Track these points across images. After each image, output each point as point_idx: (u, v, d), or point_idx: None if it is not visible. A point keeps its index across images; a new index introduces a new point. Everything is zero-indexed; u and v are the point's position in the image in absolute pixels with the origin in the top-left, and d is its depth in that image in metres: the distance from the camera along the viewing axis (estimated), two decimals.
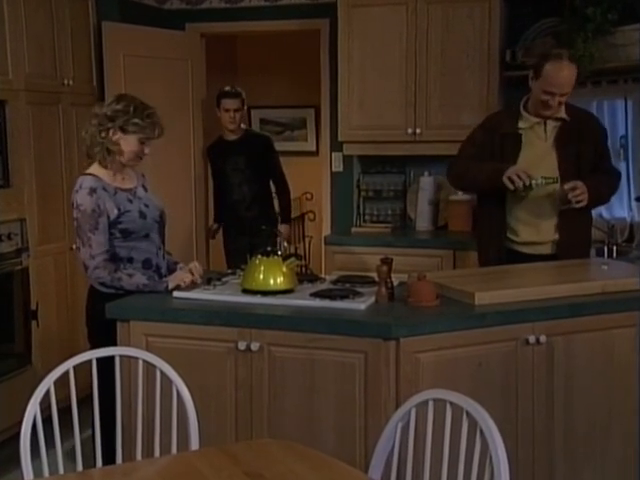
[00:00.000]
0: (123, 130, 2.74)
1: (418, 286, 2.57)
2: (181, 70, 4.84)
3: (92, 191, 2.71)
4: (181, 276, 2.79)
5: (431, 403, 1.89)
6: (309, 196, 6.26)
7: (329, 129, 4.87)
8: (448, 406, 1.86)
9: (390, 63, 4.31)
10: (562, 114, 3.19)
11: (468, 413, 1.81)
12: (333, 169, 4.93)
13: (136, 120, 2.73)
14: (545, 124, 3.20)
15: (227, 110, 4.56)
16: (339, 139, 4.56)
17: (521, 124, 3.22)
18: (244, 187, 4.62)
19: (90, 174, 2.77)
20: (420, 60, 4.26)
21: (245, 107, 4.66)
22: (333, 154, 4.90)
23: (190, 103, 4.91)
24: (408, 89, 4.30)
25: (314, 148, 6.40)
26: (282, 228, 4.70)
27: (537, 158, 3.18)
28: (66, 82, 4.12)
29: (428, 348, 2.40)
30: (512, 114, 3.27)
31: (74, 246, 4.10)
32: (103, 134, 2.74)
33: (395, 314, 2.49)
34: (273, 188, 4.75)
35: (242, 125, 4.69)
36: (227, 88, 4.62)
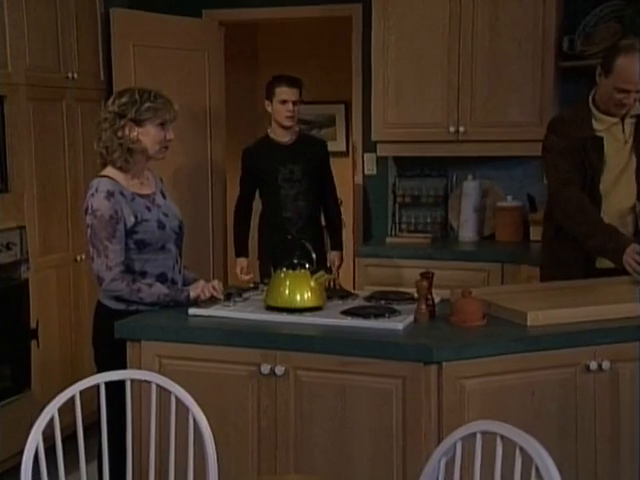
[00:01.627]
0: (138, 122, 2.78)
1: (462, 304, 2.57)
2: (197, 62, 4.89)
3: (109, 195, 2.75)
4: (203, 286, 2.82)
5: (479, 436, 1.88)
6: (338, 202, 6.25)
7: (361, 127, 4.88)
8: (499, 440, 1.85)
9: (430, 53, 4.31)
10: (638, 110, 3.13)
11: (522, 448, 1.80)
12: (365, 172, 4.94)
13: (148, 104, 2.78)
14: (623, 123, 3.14)
15: (284, 102, 4.14)
16: (372, 138, 4.56)
17: (597, 125, 3.15)
18: (300, 202, 4.22)
19: (106, 176, 2.81)
20: (464, 50, 4.26)
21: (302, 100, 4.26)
22: (365, 155, 4.91)
23: (207, 98, 4.95)
24: (451, 82, 4.30)
25: (344, 148, 6.41)
26: (334, 256, 4.40)
27: (621, 166, 3.14)
28: (70, 75, 4.18)
29: (474, 374, 2.39)
30: (582, 114, 3.19)
31: (79, 257, 4.17)
32: (119, 134, 2.78)
33: (437, 335, 2.48)
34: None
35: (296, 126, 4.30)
36: (283, 74, 4.26)
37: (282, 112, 4.15)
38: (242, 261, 4.34)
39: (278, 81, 4.19)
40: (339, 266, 4.45)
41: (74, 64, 4.23)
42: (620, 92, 3.04)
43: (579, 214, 3.12)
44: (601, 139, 3.14)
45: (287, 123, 4.19)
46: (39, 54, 3.96)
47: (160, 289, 2.78)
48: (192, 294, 2.80)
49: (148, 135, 2.81)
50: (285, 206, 4.21)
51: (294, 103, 4.15)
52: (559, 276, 3.22)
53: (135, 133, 2.79)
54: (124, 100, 2.79)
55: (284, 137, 4.24)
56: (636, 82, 3.02)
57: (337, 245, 4.45)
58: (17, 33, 3.79)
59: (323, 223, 4.49)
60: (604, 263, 3.15)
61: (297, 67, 5.98)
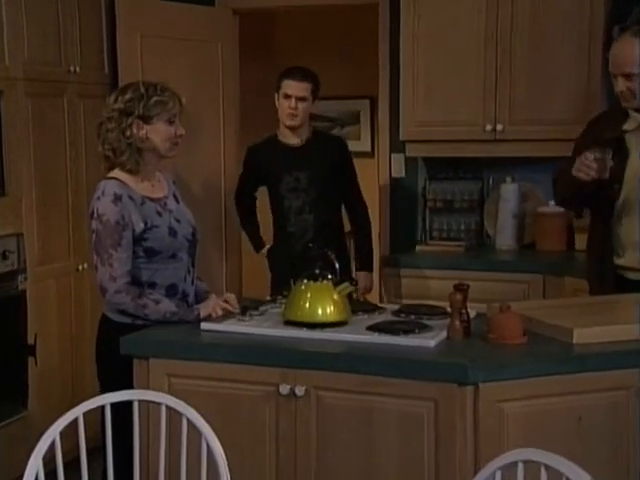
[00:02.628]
0: (146, 119, 2.80)
1: (500, 319, 2.57)
2: (210, 54, 4.91)
3: (117, 198, 2.77)
4: (215, 304, 2.83)
5: (521, 466, 1.87)
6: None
7: (388, 125, 4.89)
8: (543, 470, 1.85)
9: (465, 44, 4.31)
10: None
11: None
12: (393, 174, 4.95)
13: (155, 98, 2.80)
14: None
15: (288, 96, 3.93)
16: (401, 138, 4.58)
17: (627, 125, 3.17)
18: (306, 215, 4.01)
19: (114, 178, 2.83)
20: (503, 40, 4.25)
21: (315, 99, 4.03)
22: (393, 156, 4.91)
23: (220, 93, 4.98)
24: (487, 77, 4.30)
25: (369, 148, 6.42)
26: (361, 277, 4.12)
27: None
28: (72, 69, 4.22)
29: (514, 396, 2.38)
30: (619, 113, 3.20)
31: (80, 267, 4.20)
32: (128, 133, 2.81)
33: (472, 353, 2.48)
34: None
35: (306, 124, 4.04)
36: (297, 66, 4.05)
37: (284, 108, 3.96)
38: (259, 245, 4.27)
39: (286, 73, 4.00)
40: (368, 289, 4.17)
41: (76, 57, 4.26)
42: (613, 77, 3.06)
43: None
44: (623, 140, 3.14)
45: (288, 122, 3.98)
46: (38, 46, 4.00)
47: (167, 306, 2.79)
48: (203, 313, 2.80)
49: (157, 132, 2.83)
50: (288, 219, 4.04)
51: (300, 99, 3.94)
52: (594, 286, 3.23)
53: (144, 131, 2.81)
54: (129, 96, 2.82)
55: (292, 139, 4.05)
56: (617, 65, 3.02)
57: (365, 264, 4.18)
58: (15, 24, 3.83)
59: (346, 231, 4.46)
60: (633, 274, 3.14)
61: (318, 59, 6.00)
